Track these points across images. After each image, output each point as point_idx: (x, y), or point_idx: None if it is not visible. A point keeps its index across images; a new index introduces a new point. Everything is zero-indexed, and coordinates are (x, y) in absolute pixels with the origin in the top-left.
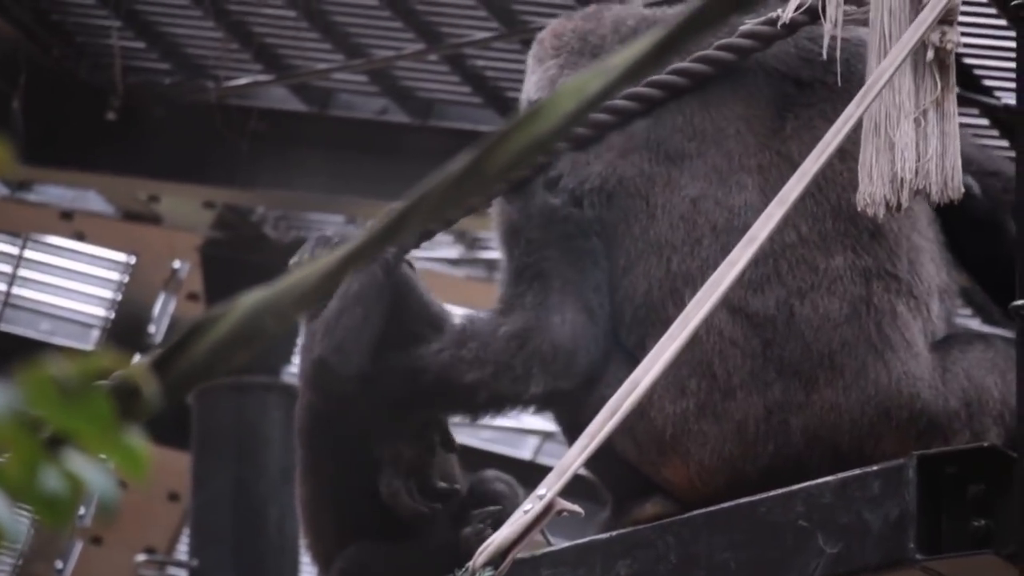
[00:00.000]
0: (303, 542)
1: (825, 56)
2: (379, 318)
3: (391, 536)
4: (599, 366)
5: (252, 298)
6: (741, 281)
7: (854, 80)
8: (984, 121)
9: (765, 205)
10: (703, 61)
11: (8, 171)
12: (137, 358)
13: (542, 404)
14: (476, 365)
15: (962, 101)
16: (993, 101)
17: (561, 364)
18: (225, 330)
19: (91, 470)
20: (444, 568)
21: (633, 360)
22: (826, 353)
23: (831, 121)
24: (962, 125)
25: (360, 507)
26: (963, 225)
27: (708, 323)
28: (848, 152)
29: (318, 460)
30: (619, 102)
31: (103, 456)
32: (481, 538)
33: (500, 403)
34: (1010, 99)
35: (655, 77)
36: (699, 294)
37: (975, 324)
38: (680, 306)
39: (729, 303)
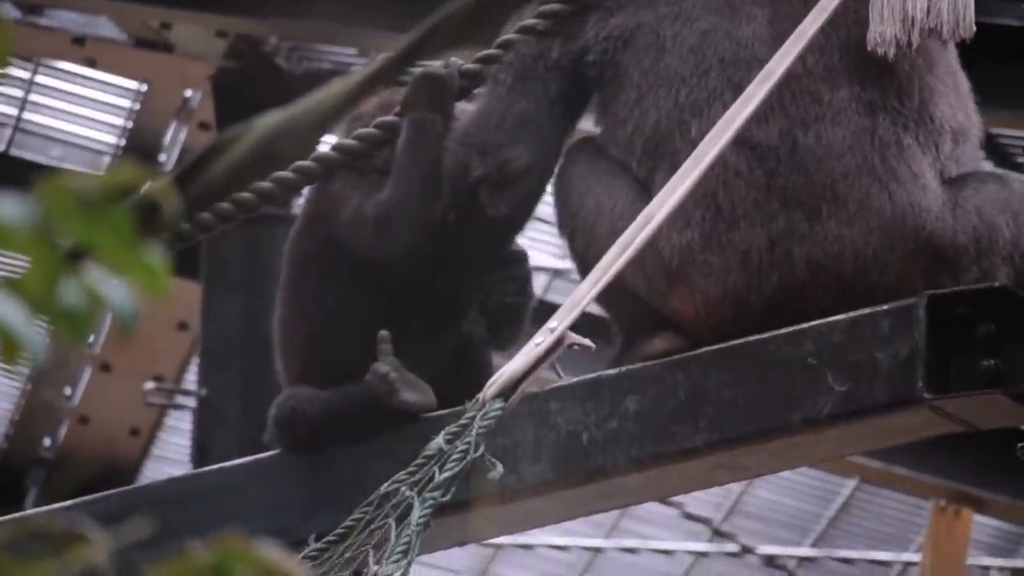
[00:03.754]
0: (277, 361)
1: None
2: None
3: (334, 382)
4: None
5: (268, 121)
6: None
7: None
8: None
9: (773, 37)
10: None
11: None
12: (150, 183)
13: (496, 190)
14: (476, 161)
15: None
16: None
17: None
18: (242, 151)
19: (110, 285)
20: (374, 419)
21: (644, 191)
22: (829, 183)
23: None
24: None
25: (335, 345)
26: None
27: None
28: None
29: (313, 284)
30: None
31: (123, 272)
32: (387, 378)
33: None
34: None
35: None
36: (714, 129)
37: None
38: (687, 137)
39: None
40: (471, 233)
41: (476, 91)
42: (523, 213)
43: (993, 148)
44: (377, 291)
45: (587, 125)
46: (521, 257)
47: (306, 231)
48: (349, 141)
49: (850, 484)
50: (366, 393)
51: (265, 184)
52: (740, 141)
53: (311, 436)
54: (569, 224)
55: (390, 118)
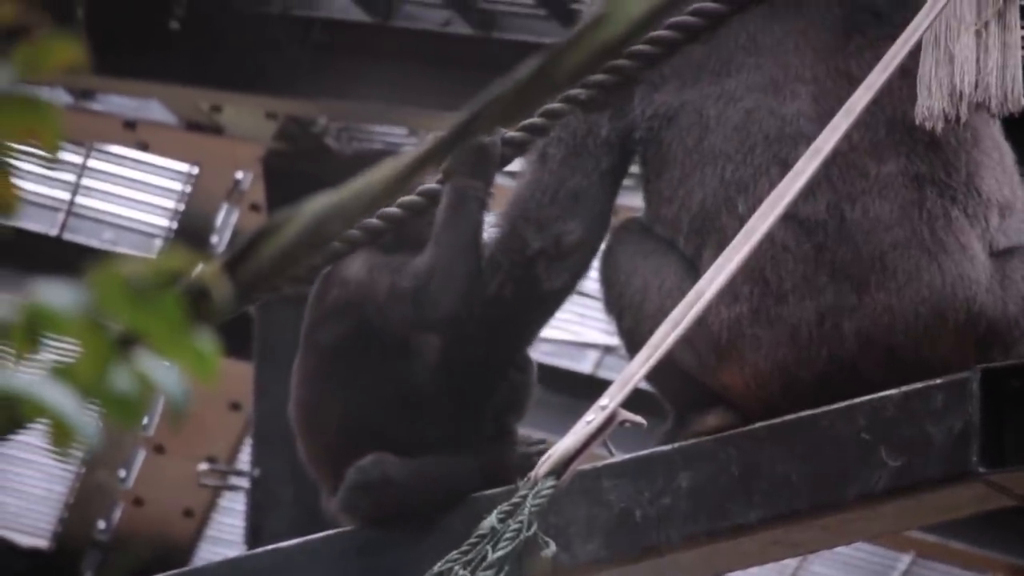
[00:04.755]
0: (299, 447)
1: None
2: (482, 255)
3: (400, 451)
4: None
5: (319, 203)
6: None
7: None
8: None
9: (818, 114)
10: None
11: (82, 71)
12: (200, 268)
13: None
14: (532, 234)
15: None
16: None
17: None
18: (292, 234)
19: (161, 371)
20: (471, 482)
21: (692, 269)
22: (877, 256)
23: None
24: None
25: (377, 421)
26: None
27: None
28: (907, 69)
29: (343, 369)
30: (685, 18)
31: (173, 358)
32: (532, 461)
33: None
34: None
35: None
36: (763, 205)
37: None
38: (734, 214)
39: None
40: (522, 305)
41: (517, 161)
42: (572, 285)
43: None
44: (413, 367)
45: (626, 200)
46: (528, 366)
47: (332, 319)
48: (391, 209)
49: (906, 559)
50: (494, 459)
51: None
52: (788, 216)
53: (398, 502)
54: (616, 303)
55: (431, 185)
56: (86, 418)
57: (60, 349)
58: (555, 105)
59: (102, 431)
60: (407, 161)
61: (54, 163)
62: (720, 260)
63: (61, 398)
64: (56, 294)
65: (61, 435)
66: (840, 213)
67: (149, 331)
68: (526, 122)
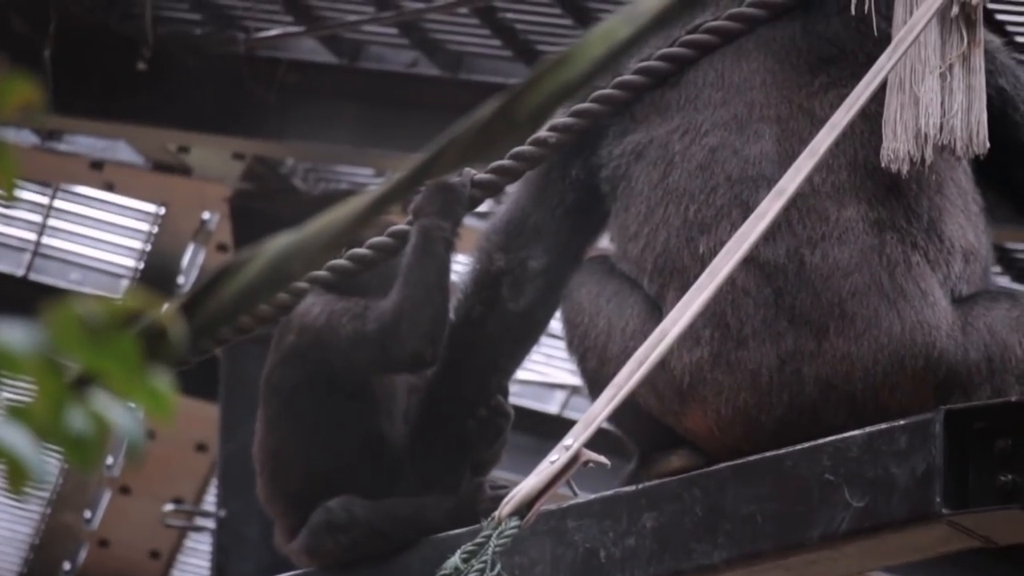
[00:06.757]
0: (260, 490)
1: (853, 12)
2: (448, 295)
3: (364, 494)
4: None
5: (279, 242)
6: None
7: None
8: None
9: (780, 155)
10: (736, 19)
11: (38, 111)
12: (157, 308)
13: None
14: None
15: None
16: None
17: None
18: (252, 273)
19: (117, 411)
20: (438, 523)
21: (655, 310)
22: (836, 302)
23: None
24: None
25: (340, 465)
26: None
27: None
28: (869, 111)
29: (304, 414)
30: (653, 63)
31: (129, 398)
32: (491, 491)
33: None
34: None
35: (687, 37)
36: (726, 246)
37: (1004, 282)
38: (695, 255)
39: None
40: (489, 326)
41: (486, 202)
42: (539, 314)
43: (1008, 263)
44: (377, 410)
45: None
46: (504, 413)
47: (291, 364)
48: (361, 250)
49: None
50: (463, 500)
51: (282, 296)
52: (749, 259)
53: (364, 544)
54: (580, 344)
55: (400, 226)
56: (42, 458)
57: (16, 389)
58: (524, 148)
59: (62, 480)
60: (368, 201)
61: (12, 202)
62: (683, 301)
63: (17, 438)
64: (11, 334)
65: (17, 475)
66: (800, 258)
67: (105, 371)
68: (495, 164)
